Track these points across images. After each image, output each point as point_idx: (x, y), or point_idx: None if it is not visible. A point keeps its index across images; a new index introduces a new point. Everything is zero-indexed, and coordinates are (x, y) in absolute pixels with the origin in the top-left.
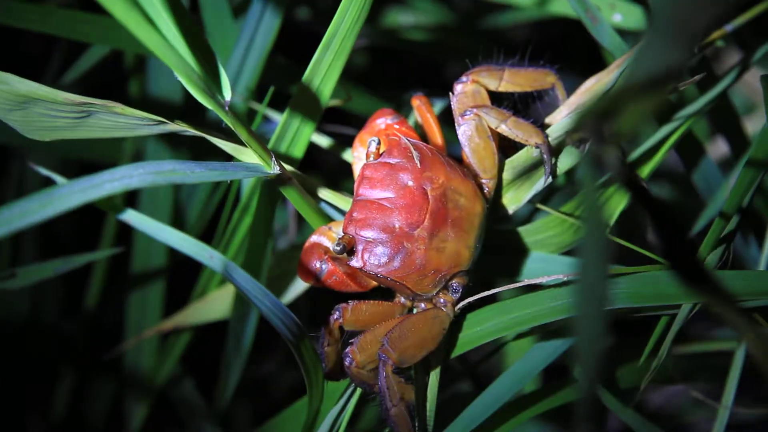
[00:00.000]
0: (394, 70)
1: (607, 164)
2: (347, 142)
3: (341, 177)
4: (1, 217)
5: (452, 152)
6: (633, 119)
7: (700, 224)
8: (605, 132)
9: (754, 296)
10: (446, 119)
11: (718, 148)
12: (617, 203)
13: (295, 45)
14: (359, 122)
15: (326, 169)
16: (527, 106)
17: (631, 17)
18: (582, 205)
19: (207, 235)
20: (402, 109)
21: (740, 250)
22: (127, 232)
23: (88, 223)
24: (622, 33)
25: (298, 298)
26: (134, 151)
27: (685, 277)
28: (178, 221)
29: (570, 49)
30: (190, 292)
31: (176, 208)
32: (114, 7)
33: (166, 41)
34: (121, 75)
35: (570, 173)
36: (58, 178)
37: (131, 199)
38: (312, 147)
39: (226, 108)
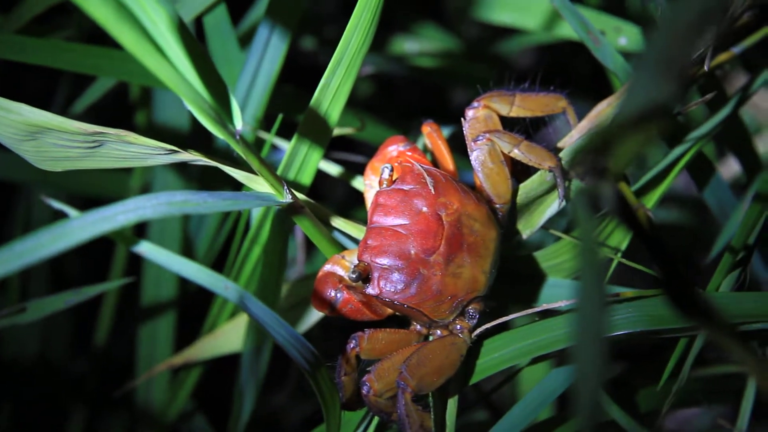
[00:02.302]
0: (401, 98)
1: (603, 200)
2: (356, 169)
3: (350, 205)
4: (14, 251)
5: (463, 179)
6: (628, 154)
7: (717, 248)
8: (600, 168)
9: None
10: (455, 146)
11: (730, 167)
12: (626, 230)
13: (301, 75)
14: (367, 150)
15: (335, 197)
16: (538, 129)
17: (636, 40)
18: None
19: (216, 267)
20: (410, 136)
21: (758, 272)
22: (135, 265)
23: (95, 256)
24: (629, 56)
25: (310, 329)
26: (142, 184)
27: (684, 312)
28: (187, 252)
29: (578, 72)
30: (200, 325)
31: (185, 239)
32: (124, 38)
33: (176, 71)
34: (125, 107)
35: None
36: (71, 211)
37: (140, 230)
38: (321, 175)
39: (237, 137)
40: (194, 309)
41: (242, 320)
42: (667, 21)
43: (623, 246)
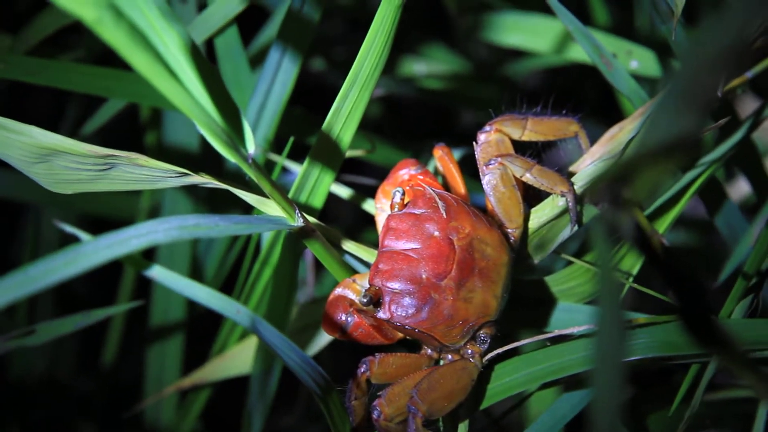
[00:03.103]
0: (409, 120)
1: (621, 229)
2: (365, 192)
3: (360, 228)
4: (27, 276)
5: (475, 202)
6: (647, 184)
7: (726, 272)
8: (620, 198)
9: None
10: (466, 169)
11: (740, 188)
12: (639, 256)
13: (309, 96)
14: (376, 172)
15: (344, 219)
16: (548, 149)
17: (648, 64)
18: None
19: (225, 288)
20: (420, 158)
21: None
22: (143, 286)
23: (102, 275)
24: (640, 79)
25: (320, 352)
26: (151, 205)
27: (699, 337)
28: (196, 275)
29: (587, 95)
30: (209, 347)
31: (194, 262)
32: (137, 61)
33: (189, 95)
34: (135, 129)
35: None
36: (83, 235)
37: (148, 253)
38: (329, 198)
39: (250, 161)
40: (203, 330)
41: (251, 342)
42: (690, 53)
43: (634, 271)
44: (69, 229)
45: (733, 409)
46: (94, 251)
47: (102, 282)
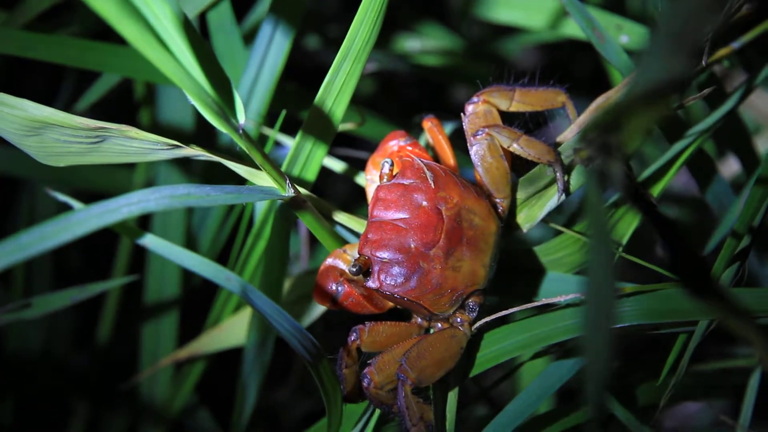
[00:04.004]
0: (402, 96)
1: (613, 179)
2: (359, 165)
3: (354, 201)
4: (20, 243)
5: (464, 174)
6: (637, 132)
7: (714, 242)
8: (610, 146)
9: None
10: (456, 142)
11: (730, 166)
12: (629, 222)
13: (304, 75)
14: (370, 146)
15: (338, 193)
16: (538, 126)
17: (637, 38)
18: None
19: (220, 262)
20: (412, 132)
21: (755, 268)
22: (138, 262)
23: (98, 251)
24: (630, 54)
25: (313, 323)
26: (145, 180)
27: (696, 293)
28: (190, 248)
29: (578, 71)
30: (204, 321)
31: (188, 235)
32: (128, 33)
33: (180, 65)
34: (129, 105)
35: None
36: (75, 204)
37: (142, 226)
38: (323, 172)
39: (240, 131)
40: (198, 305)
41: (246, 314)
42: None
43: (624, 241)
44: (62, 197)
45: (724, 380)
46: (86, 219)
47: (98, 261)
